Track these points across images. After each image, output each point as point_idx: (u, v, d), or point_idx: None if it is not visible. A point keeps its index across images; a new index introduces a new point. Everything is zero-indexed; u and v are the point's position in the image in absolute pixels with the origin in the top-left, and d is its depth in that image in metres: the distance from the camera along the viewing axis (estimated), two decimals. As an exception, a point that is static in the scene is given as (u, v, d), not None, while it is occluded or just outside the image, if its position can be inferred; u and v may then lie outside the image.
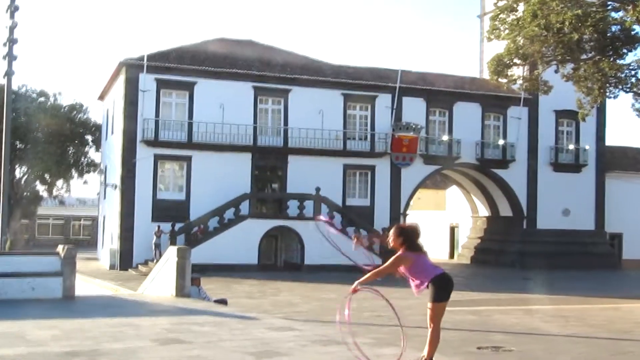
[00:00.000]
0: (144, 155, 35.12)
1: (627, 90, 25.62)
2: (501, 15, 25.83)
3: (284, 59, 39.42)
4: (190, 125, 35.88)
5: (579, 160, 44.06)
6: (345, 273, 30.81)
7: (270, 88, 37.55)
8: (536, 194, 43.04)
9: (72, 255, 14.89)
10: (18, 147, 47.22)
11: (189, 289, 15.11)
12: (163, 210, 34.87)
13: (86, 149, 52.66)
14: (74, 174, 52.64)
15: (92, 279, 28.69)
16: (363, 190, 39.23)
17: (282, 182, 37.82)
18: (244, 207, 34.74)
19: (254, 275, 30.32)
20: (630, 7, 23.22)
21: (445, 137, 40.95)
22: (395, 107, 39.42)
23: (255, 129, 36.93)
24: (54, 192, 55.15)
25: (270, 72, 37.54)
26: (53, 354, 8.29)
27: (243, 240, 33.46)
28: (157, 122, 35.43)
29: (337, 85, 38.42)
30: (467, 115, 41.29)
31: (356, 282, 7.92)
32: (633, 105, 26.65)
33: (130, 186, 35.03)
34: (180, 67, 35.94)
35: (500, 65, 26.24)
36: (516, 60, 26.36)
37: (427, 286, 7.85)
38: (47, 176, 52.36)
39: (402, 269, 7.94)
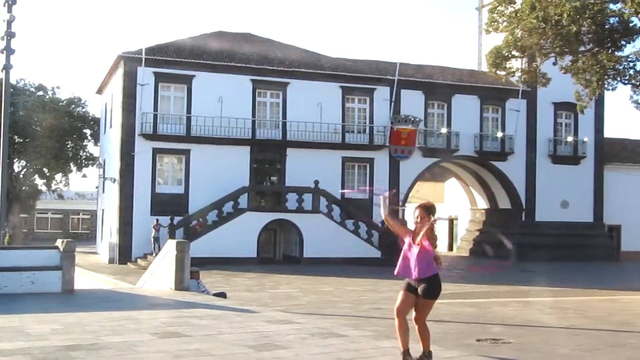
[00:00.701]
0: (143, 149, 35.11)
1: (626, 82, 25.57)
2: (499, 8, 25.74)
3: (282, 52, 39.39)
4: (188, 118, 35.86)
5: (578, 153, 44.07)
6: (343, 266, 31.16)
7: (269, 81, 37.51)
8: (535, 186, 43.07)
9: (72, 249, 14.88)
10: (16, 141, 47.14)
11: (188, 282, 15.12)
12: (162, 204, 34.88)
13: (85, 142, 52.57)
14: (73, 167, 52.52)
15: (91, 272, 28.74)
16: (362, 183, 39.23)
17: (280, 175, 37.85)
18: (243, 201, 34.72)
19: (253, 269, 30.34)
20: (628, -1, 23.16)
21: (443, 130, 40.94)
22: (393, 100, 39.41)
23: (253, 122, 36.90)
24: (53, 186, 55.03)
25: (269, 66, 37.49)
26: (53, 348, 8.29)
27: (242, 234, 33.46)
28: (155, 116, 35.42)
29: (335, 78, 38.38)
30: (465, 107, 41.28)
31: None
32: (631, 97, 26.62)
33: (129, 180, 35.04)
34: (179, 60, 35.89)
35: (498, 58, 26.18)
36: (514, 53, 26.31)
37: (426, 278, 7.70)
38: (45, 170, 52.26)
39: (425, 241, 7.65)
